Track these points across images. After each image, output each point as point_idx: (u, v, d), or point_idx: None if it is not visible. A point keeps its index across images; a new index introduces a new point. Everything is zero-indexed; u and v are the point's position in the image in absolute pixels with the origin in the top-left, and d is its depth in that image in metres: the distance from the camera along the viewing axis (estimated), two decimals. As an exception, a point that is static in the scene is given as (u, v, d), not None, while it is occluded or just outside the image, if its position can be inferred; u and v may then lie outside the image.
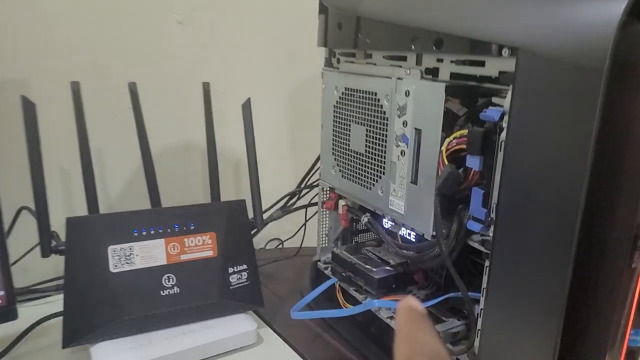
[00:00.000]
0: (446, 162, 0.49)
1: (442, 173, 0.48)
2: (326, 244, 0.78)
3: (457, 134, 0.49)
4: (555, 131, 0.40)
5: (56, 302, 0.57)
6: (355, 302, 0.67)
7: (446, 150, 0.49)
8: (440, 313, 0.60)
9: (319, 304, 0.73)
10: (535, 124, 0.41)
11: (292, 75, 1.02)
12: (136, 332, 0.60)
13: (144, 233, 0.61)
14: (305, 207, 0.90)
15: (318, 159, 0.84)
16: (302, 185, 0.89)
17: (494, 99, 0.47)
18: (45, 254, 0.57)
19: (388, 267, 0.67)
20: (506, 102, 0.43)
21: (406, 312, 0.27)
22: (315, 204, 0.90)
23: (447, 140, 0.49)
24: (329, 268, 0.75)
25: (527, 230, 0.42)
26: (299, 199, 0.91)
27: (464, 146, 0.48)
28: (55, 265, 0.70)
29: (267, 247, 1.06)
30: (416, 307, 0.27)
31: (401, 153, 0.56)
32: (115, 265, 0.59)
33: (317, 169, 0.87)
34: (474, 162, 0.47)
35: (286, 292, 0.84)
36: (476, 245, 0.50)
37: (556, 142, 0.40)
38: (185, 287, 0.62)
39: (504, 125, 0.44)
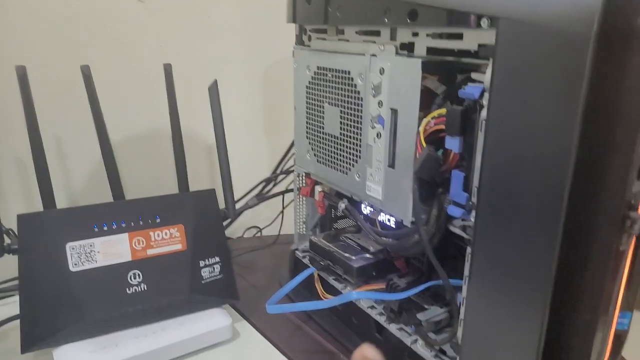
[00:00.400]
0: (424, 144, 0.45)
1: (420, 155, 0.45)
2: (304, 232, 0.75)
3: (435, 113, 0.46)
4: (539, 107, 0.37)
5: (17, 304, 0.53)
6: (334, 291, 0.65)
7: (424, 131, 0.46)
8: (422, 300, 0.57)
9: (298, 295, 0.70)
10: (518, 99, 0.38)
11: (264, 55, 0.97)
12: (101, 334, 0.56)
13: (106, 228, 0.57)
14: (282, 193, 0.87)
15: (292, 144, 0.80)
16: (278, 171, 0.86)
17: (473, 75, 0.44)
18: (-2, 253, 0.53)
19: (368, 255, 0.64)
20: (486, 77, 0.40)
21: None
22: (292, 190, 0.87)
23: (425, 120, 0.46)
24: (307, 257, 0.72)
25: (511, 214, 0.40)
26: (275, 185, 0.88)
27: (443, 126, 0.45)
28: (16, 262, 0.65)
29: (245, 236, 1.03)
30: (371, 356, 0.27)
31: (377, 135, 0.52)
32: (75, 264, 0.55)
33: (293, 154, 0.83)
34: (453, 144, 0.44)
35: (264, 283, 0.81)
36: (457, 231, 0.47)
37: (540, 119, 0.37)
38: (152, 284, 0.59)
39: (485, 102, 0.41)
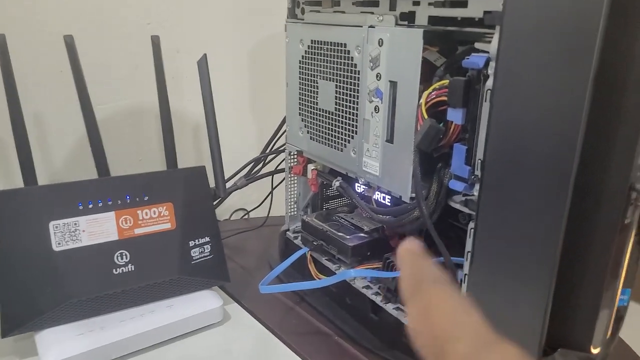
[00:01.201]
0: (425, 116, 0.44)
1: (422, 127, 0.43)
2: (295, 212, 0.74)
3: (437, 85, 0.44)
4: (549, 74, 0.35)
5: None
6: (328, 272, 0.63)
7: (425, 103, 0.44)
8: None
9: (289, 276, 0.69)
10: (526, 67, 0.37)
11: (254, 30, 0.95)
12: (87, 316, 0.54)
13: (91, 206, 0.54)
14: (272, 173, 0.85)
15: (284, 121, 0.78)
16: (268, 151, 0.84)
17: (477, 45, 0.42)
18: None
19: (362, 234, 0.63)
20: (492, 45, 0.39)
21: (407, 252, 0.28)
22: (282, 170, 0.85)
23: (426, 92, 0.44)
24: (299, 237, 0.70)
25: (517, 186, 0.38)
26: (264, 165, 0.85)
27: (444, 98, 0.43)
28: None
29: (232, 218, 1.01)
30: (416, 247, 0.27)
31: (375, 109, 0.51)
32: (59, 243, 0.53)
33: (284, 132, 0.81)
34: (455, 115, 0.43)
35: (254, 265, 0.79)
36: (458, 207, 0.46)
37: (550, 86, 0.35)
38: (140, 264, 0.56)
39: (489, 72, 0.39)
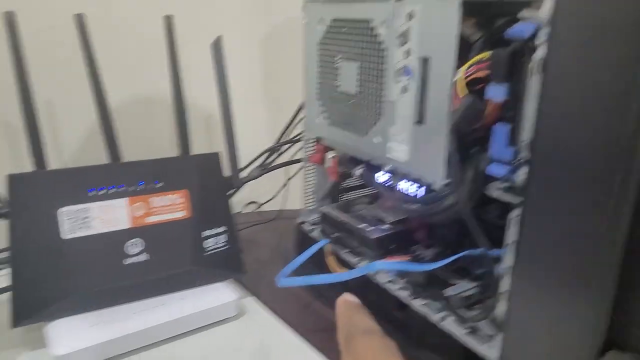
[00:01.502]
0: (464, 92, 0.40)
1: (462, 104, 0.40)
2: (312, 204, 0.70)
3: (476, 58, 0.41)
4: (613, 39, 0.32)
5: (3, 278, 0.48)
6: (347, 266, 0.60)
7: (464, 79, 0.41)
8: (446, 275, 0.53)
9: (305, 271, 0.66)
10: (585, 33, 0.33)
11: (265, 16, 0.91)
12: (98, 308, 0.51)
13: (102, 192, 0.51)
14: (287, 164, 0.82)
15: (300, 109, 0.75)
16: (282, 140, 0.80)
17: (523, 13, 0.38)
18: (-16, 218, 0.47)
19: (385, 226, 0.59)
20: (543, 10, 0.35)
21: (343, 304, 0.34)
22: (298, 160, 0.82)
23: (464, 67, 0.41)
24: (317, 230, 0.67)
25: (574, 169, 0.35)
26: (278, 155, 0.82)
27: (483, 74, 0.40)
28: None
29: (243, 212, 0.98)
30: (352, 299, 0.34)
31: (403, 89, 0.47)
32: (69, 231, 0.50)
33: (300, 120, 0.78)
34: (497, 91, 0.39)
35: (268, 258, 0.76)
36: (496, 194, 0.43)
37: (614, 53, 0.32)
38: (153, 255, 0.53)
39: (536, 43, 0.36)
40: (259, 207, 0.98)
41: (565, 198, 0.37)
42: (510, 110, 0.40)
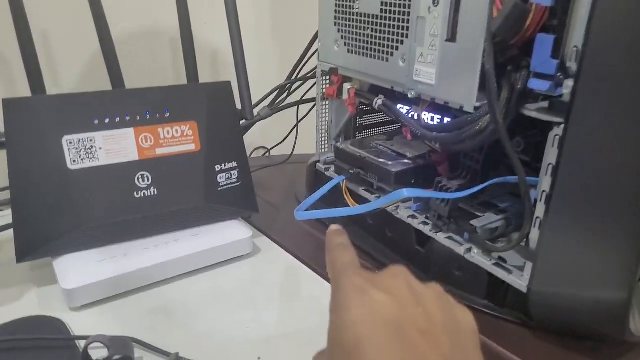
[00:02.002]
0: (505, -1, 0.37)
1: (503, 9, 0.36)
2: (325, 142, 0.67)
3: (518, -40, 0.37)
4: None
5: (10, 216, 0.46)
6: (365, 203, 0.57)
7: (504, -16, 0.37)
8: (471, 208, 0.50)
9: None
10: None
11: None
12: (108, 243, 0.49)
13: (107, 121, 0.48)
14: (298, 103, 0.78)
15: (314, 40, 0.71)
16: (294, 77, 0.77)
17: None
18: (-21, 146, 0.44)
19: (406, 160, 0.56)
20: None
21: (335, 232, 0.36)
22: (310, 100, 0.78)
23: (505, -29, 0.37)
24: (331, 169, 0.64)
25: (629, 82, 0.32)
26: (289, 94, 0.78)
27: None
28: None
29: (252, 156, 0.95)
30: (341, 229, 0.37)
31: (433, 2, 0.43)
32: (74, 161, 0.47)
33: (311, 56, 0.74)
34: (543, -4, 0.35)
35: (280, 200, 0.73)
36: (534, 115, 0.40)
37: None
38: (163, 188, 0.51)
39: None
40: (267, 152, 0.95)
41: (614, 116, 0.34)
42: (555, 18, 0.36)
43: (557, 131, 0.37)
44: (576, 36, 0.34)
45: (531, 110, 0.40)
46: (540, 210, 0.40)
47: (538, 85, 0.37)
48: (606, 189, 0.35)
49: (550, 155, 0.38)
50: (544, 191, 0.39)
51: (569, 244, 0.39)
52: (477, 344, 0.26)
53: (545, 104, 0.39)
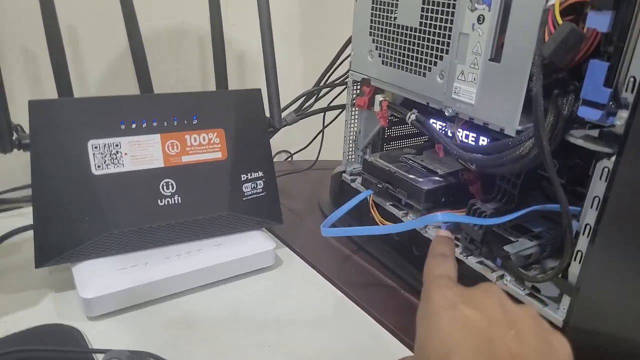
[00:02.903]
0: (559, 21, 0.35)
1: (557, 33, 0.34)
2: (352, 153, 0.66)
3: (576, -19, 0.34)
4: None
5: (30, 215, 0.45)
6: (391, 218, 0.56)
7: (559, 4, 0.35)
8: (505, 232, 0.48)
9: (343, 223, 0.61)
10: None
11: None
12: (128, 250, 0.48)
13: (134, 126, 0.47)
14: (325, 110, 0.77)
15: (345, 46, 0.69)
16: (322, 84, 0.75)
17: None
18: (4, 148, 0.43)
19: (437, 178, 0.55)
20: None
21: (442, 239, 0.36)
22: (337, 107, 0.77)
23: (559, -9, 0.35)
24: (358, 180, 0.63)
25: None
26: (317, 100, 0.77)
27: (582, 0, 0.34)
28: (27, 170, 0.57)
29: (274, 160, 0.94)
30: (451, 236, 0.37)
31: (478, 19, 0.41)
32: (99, 166, 0.46)
33: (341, 63, 0.72)
34: (600, 21, 0.33)
35: (303, 209, 0.72)
36: (580, 143, 0.37)
37: None
38: (188, 197, 0.50)
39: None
40: (290, 157, 0.94)
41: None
42: (611, 44, 0.34)
43: (607, 163, 0.35)
44: (634, 66, 0.32)
45: (577, 138, 0.38)
46: (582, 244, 0.38)
47: (588, 113, 0.35)
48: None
49: (598, 187, 0.36)
50: (587, 224, 0.37)
51: (611, 282, 0.37)
52: None
53: (593, 132, 0.37)
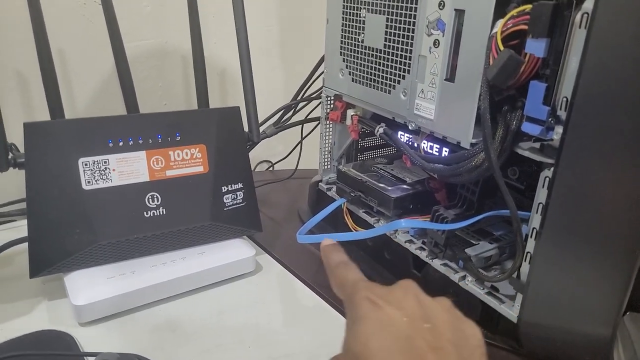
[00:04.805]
0: (501, 48, 0.39)
1: (498, 59, 0.38)
2: (328, 163, 0.70)
3: (515, 11, 0.39)
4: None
5: (23, 228, 0.48)
6: (364, 225, 0.60)
7: (501, 33, 0.39)
8: (467, 236, 0.52)
9: (321, 230, 0.65)
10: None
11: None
12: (117, 260, 0.51)
13: (121, 144, 0.51)
14: (303, 122, 0.80)
15: (319, 64, 0.73)
16: (299, 98, 0.79)
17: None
18: (1, 167, 0.47)
19: (405, 186, 0.59)
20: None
21: (331, 248, 0.37)
22: (314, 119, 0.81)
23: (502, 20, 0.39)
24: (333, 189, 0.66)
25: (612, 131, 0.34)
26: (294, 113, 0.81)
27: (523, 27, 0.38)
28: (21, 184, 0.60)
29: (256, 170, 0.97)
30: (335, 242, 0.38)
31: (434, 43, 0.46)
32: (89, 181, 0.49)
33: (317, 78, 0.76)
34: (537, 47, 0.38)
35: (283, 217, 0.76)
36: (527, 154, 0.42)
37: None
38: (172, 208, 0.53)
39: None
40: (271, 166, 0.97)
41: (600, 160, 0.36)
42: (548, 67, 0.38)
43: (547, 173, 0.39)
44: (566, 87, 0.36)
45: (524, 150, 0.42)
46: (531, 246, 0.42)
47: (530, 129, 0.39)
48: (591, 230, 0.37)
49: (541, 195, 0.40)
50: (534, 228, 0.41)
51: (557, 280, 0.41)
52: (484, 355, 0.27)
53: (537, 144, 0.41)
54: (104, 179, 0.50)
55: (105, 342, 0.46)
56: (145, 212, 0.52)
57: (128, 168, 0.51)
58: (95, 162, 0.49)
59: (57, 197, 0.48)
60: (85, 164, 0.49)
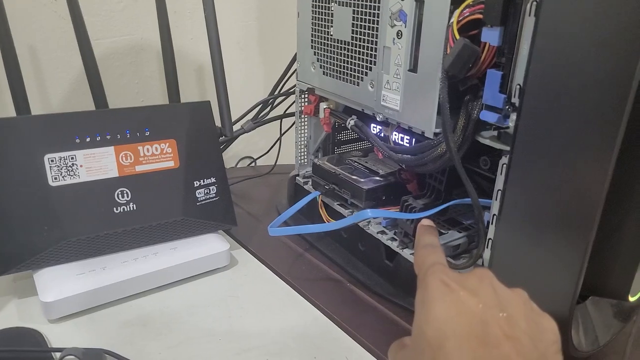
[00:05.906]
0: (457, 36, 0.39)
1: (454, 48, 0.38)
2: (305, 157, 0.70)
3: (470, 0, 0.39)
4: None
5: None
6: (339, 217, 0.60)
7: (457, 23, 0.39)
8: (437, 225, 0.53)
9: (298, 223, 0.65)
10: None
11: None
12: (87, 256, 0.51)
13: (89, 140, 0.51)
14: (281, 117, 0.81)
15: (293, 60, 0.73)
16: (276, 93, 0.79)
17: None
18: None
19: (377, 178, 0.59)
20: (540, -51, 0.33)
21: (426, 229, 0.38)
22: (292, 114, 0.81)
23: (458, 10, 0.40)
24: (310, 182, 0.67)
25: (562, 117, 0.34)
26: (272, 108, 0.81)
27: (479, 16, 0.39)
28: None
29: (238, 166, 0.97)
30: (433, 225, 0.38)
31: (397, 34, 0.46)
32: (55, 178, 0.49)
33: (293, 72, 0.76)
34: (491, 35, 0.38)
35: (261, 211, 0.76)
36: (487, 142, 0.42)
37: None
38: (142, 204, 0.53)
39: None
40: (253, 162, 0.98)
41: (552, 146, 0.36)
42: (503, 56, 0.39)
43: (504, 160, 0.39)
44: (519, 75, 0.36)
45: (485, 138, 0.42)
46: (492, 232, 0.42)
47: (488, 117, 0.40)
48: (547, 215, 0.37)
49: (499, 181, 0.40)
50: (494, 214, 0.42)
51: (517, 264, 0.42)
52: (559, 351, 0.27)
53: (496, 132, 0.42)
54: (72, 175, 0.50)
55: (75, 338, 0.46)
56: (115, 208, 0.52)
57: (96, 164, 0.51)
58: (62, 158, 0.49)
59: (24, 194, 0.48)
60: (52, 160, 0.49)
